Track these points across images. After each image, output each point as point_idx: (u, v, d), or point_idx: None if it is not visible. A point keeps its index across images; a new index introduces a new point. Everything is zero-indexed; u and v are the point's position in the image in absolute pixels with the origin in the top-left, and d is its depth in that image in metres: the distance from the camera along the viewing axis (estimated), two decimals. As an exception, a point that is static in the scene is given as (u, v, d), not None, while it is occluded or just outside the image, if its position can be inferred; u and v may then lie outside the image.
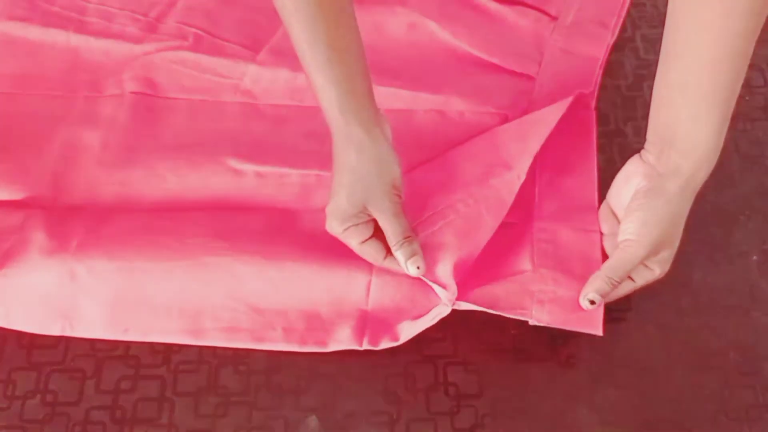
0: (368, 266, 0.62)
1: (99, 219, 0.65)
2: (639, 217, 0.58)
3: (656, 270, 0.59)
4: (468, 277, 0.61)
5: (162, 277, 0.62)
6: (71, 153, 0.69)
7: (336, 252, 0.62)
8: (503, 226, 0.63)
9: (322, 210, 0.62)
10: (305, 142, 0.70)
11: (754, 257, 0.66)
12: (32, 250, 0.63)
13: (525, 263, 0.62)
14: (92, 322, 0.62)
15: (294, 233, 0.64)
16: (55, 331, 0.62)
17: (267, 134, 0.70)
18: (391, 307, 0.61)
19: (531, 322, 0.59)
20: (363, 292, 0.62)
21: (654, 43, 0.77)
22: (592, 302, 0.58)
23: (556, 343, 0.62)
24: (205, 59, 0.74)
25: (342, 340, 0.61)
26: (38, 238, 0.63)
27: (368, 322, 0.61)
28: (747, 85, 0.74)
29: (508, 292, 0.60)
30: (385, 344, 0.60)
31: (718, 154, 0.56)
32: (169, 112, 0.72)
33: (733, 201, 0.69)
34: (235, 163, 0.68)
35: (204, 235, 0.63)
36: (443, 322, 0.60)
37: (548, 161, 0.67)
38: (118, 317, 0.62)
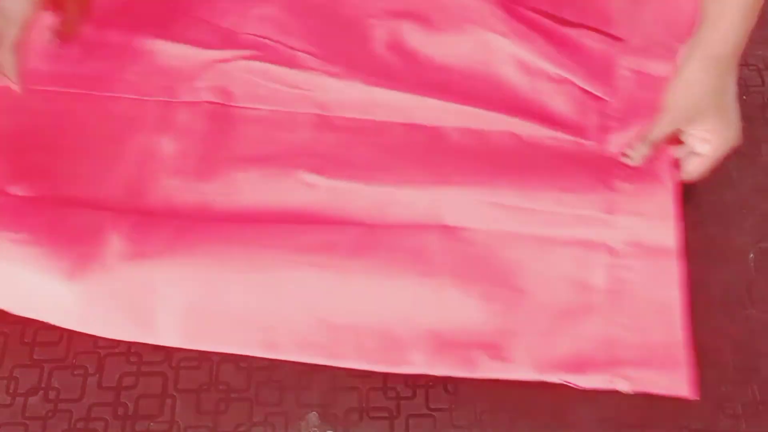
0: (440, 287, 0.62)
1: (176, 228, 0.64)
2: (669, 87, 0.64)
3: (712, 140, 0.63)
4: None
5: (238, 289, 0.62)
6: (148, 160, 0.69)
7: (408, 271, 0.62)
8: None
9: (396, 226, 0.63)
10: (378, 156, 0.69)
11: (751, 255, 0.66)
12: (110, 254, 0.62)
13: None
14: (167, 330, 0.62)
15: (367, 249, 0.63)
16: (129, 337, 0.62)
17: (338, 148, 0.70)
18: (464, 332, 0.61)
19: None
20: (435, 313, 0.62)
21: (652, 43, 0.77)
22: (627, 156, 0.66)
23: (554, 340, 0.62)
24: (278, 70, 0.73)
25: (414, 362, 0.61)
26: (116, 242, 0.62)
27: (441, 345, 0.61)
28: (744, 85, 0.75)
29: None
30: (459, 373, 0.60)
31: (744, 36, 0.62)
32: (244, 122, 0.72)
33: (730, 199, 0.69)
34: (307, 177, 0.67)
35: (279, 248, 0.63)
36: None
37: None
38: (193, 327, 0.62)
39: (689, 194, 0.68)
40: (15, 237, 0.61)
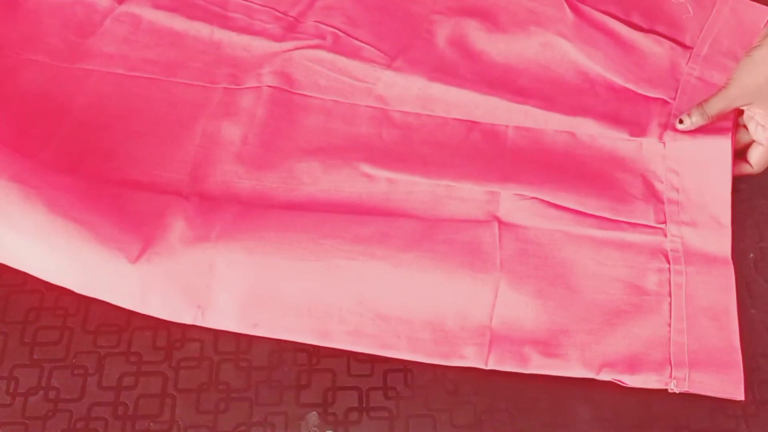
0: (494, 282, 0.62)
1: (236, 213, 0.65)
2: (739, 66, 0.65)
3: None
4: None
5: (295, 276, 0.62)
6: (211, 145, 0.71)
7: (463, 265, 0.62)
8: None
9: (452, 221, 0.64)
10: (436, 152, 0.70)
11: (751, 255, 0.66)
12: (172, 237, 0.63)
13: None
14: (224, 314, 0.63)
15: (423, 242, 0.64)
16: (187, 319, 0.63)
17: (398, 142, 0.71)
18: (516, 328, 0.62)
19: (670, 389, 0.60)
20: (488, 308, 0.62)
21: (652, 42, 0.77)
22: (681, 122, 0.67)
23: (554, 339, 0.62)
24: (341, 60, 0.74)
25: (466, 356, 0.61)
26: (179, 225, 0.63)
27: (493, 340, 0.61)
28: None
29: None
30: (511, 367, 0.61)
31: None
32: (305, 111, 0.73)
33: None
34: (367, 169, 0.68)
35: (337, 237, 0.63)
36: (442, 319, 0.60)
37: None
38: (249, 312, 0.62)
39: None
40: (79, 218, 0.62)
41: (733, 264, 0.65)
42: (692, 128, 0.66)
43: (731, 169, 0.66)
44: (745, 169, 0.67)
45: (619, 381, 0.60)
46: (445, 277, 0.62)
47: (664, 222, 0.66)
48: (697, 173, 0.67)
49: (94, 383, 0.61)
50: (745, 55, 0.65)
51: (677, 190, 0.67)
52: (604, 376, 0.60)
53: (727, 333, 0.62)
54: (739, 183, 0.69)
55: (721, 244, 0.65)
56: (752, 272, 0.66)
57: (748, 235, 0.67)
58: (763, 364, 0.62)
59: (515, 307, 0.62)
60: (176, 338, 0.63)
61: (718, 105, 0.65)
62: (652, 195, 0.67)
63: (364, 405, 0.60)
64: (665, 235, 0.65)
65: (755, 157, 0.66)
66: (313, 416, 0.60)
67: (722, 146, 0.66)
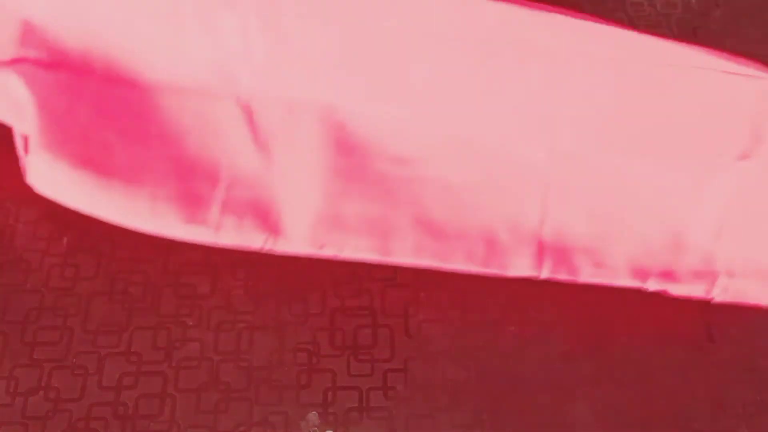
0: (542, 191, 0.64)
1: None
2: None
3: None
4: None
5: (354, 198, 0.65)
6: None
7: (512, 178, 0.64)
8: None
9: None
10: None
11: (751, 254, 0.66)
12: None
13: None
14: (293, 237, 0.65)
15: (471, 155, 0.65)
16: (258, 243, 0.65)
17: None
18: (568, 237, 0.63)
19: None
20: (538, 217, 0.64)
21: (652, 42, 0.77)
22: None
23: (554, 340, 0.62)
24: None
25: (521, 267, 0.63)
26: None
27: (546, 250, 0.63)
28: (744, 84, 0.75)
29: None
30: (564, 276, 0.63)
31: None
32: None
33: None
34: None
35: (388, 160, 0.66)
36: (442, 319, 0.60)
37: None
38: (317, 234, 0.65)
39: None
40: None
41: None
42: None
43: None
44: None
45: (664, 291, 0.61)
46: (495, 190, 0.65)
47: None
48: None
49: (94, 383, 0.61)
50: None
51: None
52: (652, 285, 0.62)
53: None
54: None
55: None
56: (752, 272, 0.66)
57: (748, 235, 0.67)
58: (763, 364, 0.62)
59: (566, 215, 0.64)
60: (176, 338, 0.63)
61: None
62: None
63: (364, 405, 0.60)
64: None
65: None
66: (313, 416, 0.60)
67: None
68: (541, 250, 0.63)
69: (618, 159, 0.64)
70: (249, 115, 0.67)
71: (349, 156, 0.66)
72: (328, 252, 0.65)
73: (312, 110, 0.66)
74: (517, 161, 0.65)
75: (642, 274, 0.62)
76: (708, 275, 0.62)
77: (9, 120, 0.66)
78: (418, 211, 0.65)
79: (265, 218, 0.65)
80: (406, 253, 0.64)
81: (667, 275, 0.62)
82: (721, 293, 0.61)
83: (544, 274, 0.63)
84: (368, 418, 0.60)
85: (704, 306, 0.64)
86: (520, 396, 0.60)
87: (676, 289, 0.62)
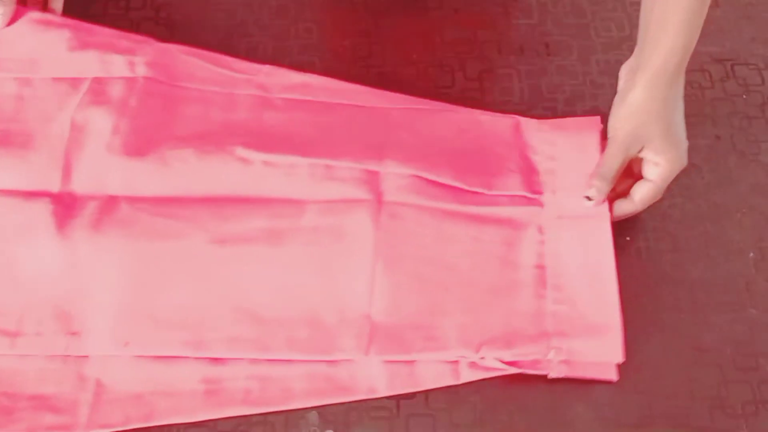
0: (370, 268, 0.62)
1: (103, 209, 0.64)
2: (613, 113, 0.64)
3: (662, 163, 0.62)
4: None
5: (164, 287, 0.62)
6: (79, 136, 0.67)
7: (336, 253, 0.62)
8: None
9: (329, 202, 0.63)
10: (316, 133, 0.69)
11: (751, 254, 0.66)
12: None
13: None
14: (98, 335, 0.61)
15: (298, 230, 0.63)
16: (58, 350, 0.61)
17: (278, 125, 0.70)
18: (396, 314, 0.61)
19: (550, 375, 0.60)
20: (366, 296, 0.61)
21: (652, 42, 0.77)
22: (589, 198, 0.63)
23: (554, 339, 0.62)
24: (221, 57, 0.74)
25: (345, 349, 0.60)
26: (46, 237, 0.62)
27: (373, 329, 0.61)
28: (744, 84, 0.75)
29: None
30: (393, 355, 0.60)
31: (687, 54, 0.62)
32: (183, 102, 0.71)
33: (730, 198, 0.69)
34: (243, 152, 0.66)
35: (208, 242, 0.62)
36: (442, 319, 0.60)
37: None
38: (122, 330, 0.61)
39: (689, 194, 0.69)
40: None
41: (734, 263, 0.65)
42: (603, 198, 0.63)
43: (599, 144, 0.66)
44: (626, 207, 0.64)
45: (500, 359, 0.59)
46: (321, 268, 0.62)
47: (540, 192, 0.66)
48: (571, 141, 0.68)
49: (93, 383, 0.61)
50: (618, 105, 0.64)
51: (553, 159, 0.67)
52: (485, 354, 0.59)
53: (604, 293, 0.61)
54: (739, 183, 0.69)
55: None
56: (752, 272, 0.66)
57: (748, 235, 0.67)
58: (763, 364, 0.61)
59: (394, 291, 0.62)
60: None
61: (613, 163, 0.63)
62: (528, 166, 0.67)
63: (363, 405, 0.60)
64: (542, 206, 0.65)
65: (641, 193, 0.63)
66: (313, 416, 0.60)
67: (592, 122, 0.69)
68: (370, 330, 0.60)
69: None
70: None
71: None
72: (132, 351, 0.60)
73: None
74: (341, 234, 0.63)
75: (473, 344, 0.60)
76: (539, 338, 0.60)
77: None
78: (236, 297, 0.61)
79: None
80: (219, 346, 0.60)
81: (497, 342, 0.60)
82: (556, 354, 0.59)
83: (372, 354, 0.60)
84: (368, 418, 0.60)
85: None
86: (520, 396, 0.60)
87: (511, 356, 0.60)
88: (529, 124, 0.70)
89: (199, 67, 0.73)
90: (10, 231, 0.63)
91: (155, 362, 0.60)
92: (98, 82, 0.71)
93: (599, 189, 0.63)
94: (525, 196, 0.65)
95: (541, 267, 0.63)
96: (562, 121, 0.70)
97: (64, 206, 0.64)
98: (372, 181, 0.66)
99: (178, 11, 0.78)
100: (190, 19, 0.78)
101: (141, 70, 0.71)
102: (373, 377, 0.60)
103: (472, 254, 0.63)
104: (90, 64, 0.71)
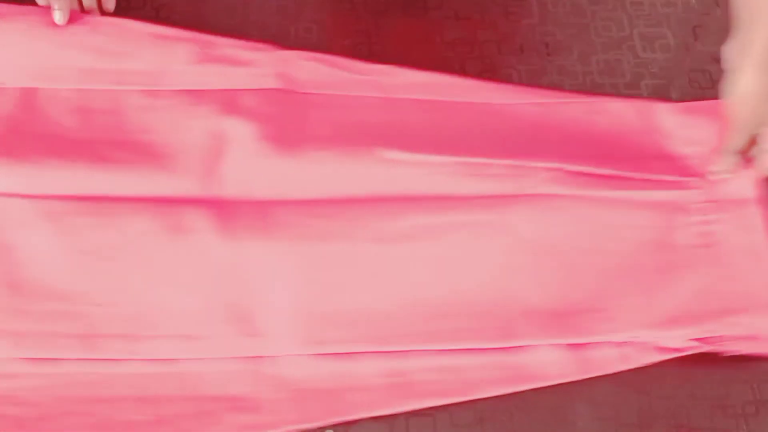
0: (532, 259, 0.63)
1: (260, 212, 0.64)
2: (729, 94, 0.63)
3: None
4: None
5: (337, 286, 0.63)
6: (218, 144, 0.68)
7: (499, 246, 0.64)
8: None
9: (481, 198, 0.65)
10: (453, 132, 0.70)
11: None
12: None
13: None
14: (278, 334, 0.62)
15: (455, 225, 0.64)
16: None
17: (413, 125, 0.70)
18: (566, 304, 0.62)
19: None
20: (532, 287, 0.63)
21: (651, 41, 0.77)
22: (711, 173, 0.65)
23: (554, 339, 0.62)
24: (340, 60, 0.74)
25: (521, 336, 0.61)
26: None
27: (547, 318, 0.62)
28: (744, 84, 0.75)
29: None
30: (573, 341, 0.61)
31: None
32: (312, 107, 0.71)
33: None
34: (384, 153, 0.66)
35: (372, 240, 0.63)
36: (442, 319, 0.60)
37: None
38: (299, 329, 0.62)
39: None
40: None
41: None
42: (731, 173, 0.66)
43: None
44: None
45: (686, 338, 0.60)
46: (481, 262, 0.63)
47: (688, 175, 0.67)
48: (709, 124, 0.69)
49: (93, 383, 0.61)
50: (732, 84, 0.64)
51: (693, 142, 0.69)
52: (668, 333, 0.61)
53: (765, 271, 0.63)
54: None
55: (744, 187, 0.66)
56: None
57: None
58: (763, 364, 0.62)
59: (560, 280, 0.63)
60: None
61: (737, 142, 0.65)
62: (668, 151, 0.69)
63: (364, 405, 0.60)
64: (693, 189, 0.66)
65: (766, 162, 0.65)
66: (313, 416, 0.60)
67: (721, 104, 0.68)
68: (543, 317, 0.62)
69: None
70: None
71: None
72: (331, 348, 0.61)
73: None
74: (498, 228, 0.64)
75: (646, 326, 0.61)
76: (706, 318, 0.62)
77: None
78: (408, 292, 0.62)
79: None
80: (398, 341, 0.61)
81: (687, 319, 0.61)
82: (739, 331, 0.61)
83: (549, 338, 0.61)
84: (368, 418, 0.60)
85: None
86: (520, 396, 0.60)
87: (680, 336, 0.61)
88: (660, 109, 0.71)
89: (320, 72, 0.73)
90: (164, 236, 0.63)
91: (336, 359, 0.61)
92: (226, 93, 0.71)
93: (727, 165, 0.65)
94: (674, 181, 0.66)
95: (704, 247, 0.64)
96: (694, 105, 0.71)
97: (219, 210, 0.64)
98: (520, 175, 0.66)
99: (178, 11, 0.78)
100: (190, 19, 0.77)
101: (266, 82, 0.72)
102: (547, 364, 0.61)
103: (631, 239, 0.64)
104: (215, 76, 0.72)
